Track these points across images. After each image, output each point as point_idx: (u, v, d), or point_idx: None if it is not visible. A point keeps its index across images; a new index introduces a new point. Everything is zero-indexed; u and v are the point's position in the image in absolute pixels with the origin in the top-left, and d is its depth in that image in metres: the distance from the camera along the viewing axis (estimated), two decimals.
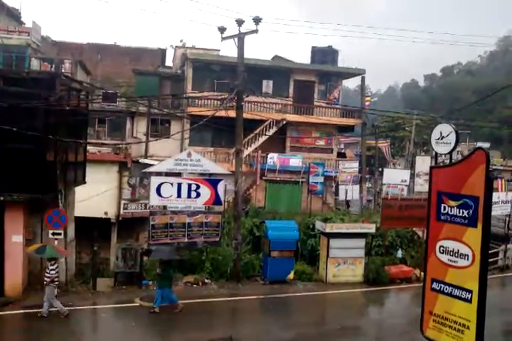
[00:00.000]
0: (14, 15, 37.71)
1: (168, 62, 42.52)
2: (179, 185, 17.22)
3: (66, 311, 13.07)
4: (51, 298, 13.02)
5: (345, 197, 30.27)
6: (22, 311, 13.56)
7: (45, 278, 13.11)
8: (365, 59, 69.78)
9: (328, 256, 18.29)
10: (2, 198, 13.96)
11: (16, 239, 14.45)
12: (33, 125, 13.62)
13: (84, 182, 18.10)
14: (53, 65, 31.41)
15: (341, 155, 36.45)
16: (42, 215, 14.86)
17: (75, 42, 42.37)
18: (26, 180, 14.15)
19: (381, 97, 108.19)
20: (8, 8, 36.17)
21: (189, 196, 17.36)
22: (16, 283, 14.50)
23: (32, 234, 15.13)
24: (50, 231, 14.62)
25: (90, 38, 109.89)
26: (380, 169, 36.92)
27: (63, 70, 30.38)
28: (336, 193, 31.62)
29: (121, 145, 25.64)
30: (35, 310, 13.42)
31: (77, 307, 13.83)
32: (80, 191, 18.03)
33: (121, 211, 22.88)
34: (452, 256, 7.23)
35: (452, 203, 7.25)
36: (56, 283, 13.28)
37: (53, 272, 13.16)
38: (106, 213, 22.56)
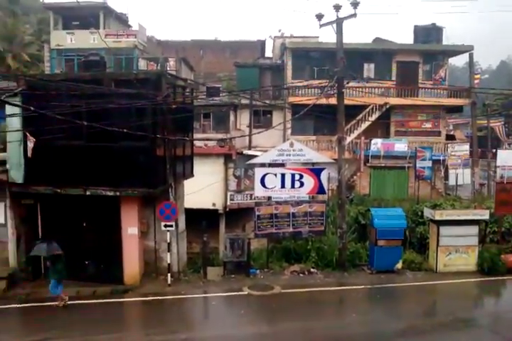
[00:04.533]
0: (122, 19, 39.93)
1: (268, 53, 42.90)
2: (283, 176, 17.46)
3: None
4: None
5: (456, 182, 28.85)
6: (140, 298, 14.56)
7: None
8: (472, 34, 65.41)
9: (438, 244, 17.63)
10: (118, 193, 14.99)
11: (131, 231, 15.48)
12: (143, 123, 14.42)
13: (193, 176, 18.85)
14: (159, 64, 32.99)
15: (450, 137, 34.61)
16: (154, 208, 15.77)
17: (178, 40, 44.12)
18: (139, 175, 15.03)
19: (492, 73, 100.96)
20: (116, 14, 38.35)
21: (293, 186, 17.56)
22: (134, 272, 15.56)
23: (146, 226, 16.12)
24: (162, 224, 15.47)
25: (192, 35, 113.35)
26: (494, 150, 34.69)
27: (168, 68, 31.81)
28: (446, 178, 30.23)
29: (226, 139, 26.38)
30: (151, 298, 14.37)
31: (190, 296, 14.58)
32: (188, 184, 18.83)
33: (228, 202, 23.67)
34: None
35: None
36: None
37: None
38: (214, 204, 23.47)
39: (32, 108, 9.99)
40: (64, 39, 35.59)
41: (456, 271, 17.27)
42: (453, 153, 28.57)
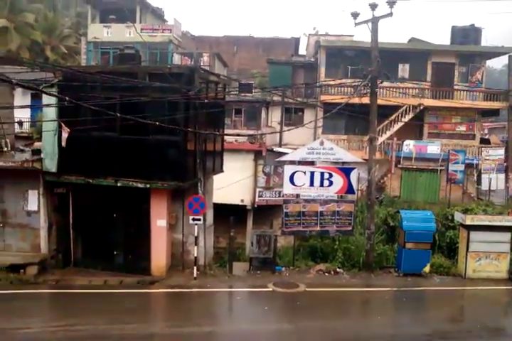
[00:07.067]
0: (158, 14, 40.32)
1: (302, 51, 42.74)
2: (312, 174, 17.38)
3: None
4: None
5: (489, 187, 28.26)
6: (166, 290, 14.69)
7: None
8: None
9: (468, 249, 17.30)
10: (148, 186, 15.14)
11: (160, 223, 15.61)
12: (175, 117, 14.52)
13: (222, 171, 18.90)
14: (193, 59, 33.21)
15: (485, 141, 33.95)
16: (183, 202, 15.89)
17: (212, 35, 44.31)
18: (169, 168, 15.15)
19: None
20: (153, 8, 38.76)
21: (322, 184, 17.47)
22: (161, 263, 15.71)
23: (175, 219, 16.24)
24: (191, 217, 15.55)
25: (226, 31, 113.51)
26: None
27: (202, 63, 32.04)
28: (479, 182, 29.64)
29: (257, 135, 26.43)
30: (177, 290, 14.49)
31: (215, 289, 14.65)
32: (217, 179, 18.90)
33: (257, 198, 23.68)
34: None
35: None
36: None
37: None
38: (242, 200, 23.52)
39: (68, 99, 10.13)
40: (101, 32, 36.18)
41: (485, 277, 16.91)
42: (487, 158, 27.99)
